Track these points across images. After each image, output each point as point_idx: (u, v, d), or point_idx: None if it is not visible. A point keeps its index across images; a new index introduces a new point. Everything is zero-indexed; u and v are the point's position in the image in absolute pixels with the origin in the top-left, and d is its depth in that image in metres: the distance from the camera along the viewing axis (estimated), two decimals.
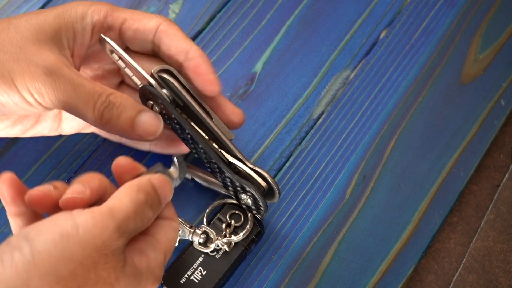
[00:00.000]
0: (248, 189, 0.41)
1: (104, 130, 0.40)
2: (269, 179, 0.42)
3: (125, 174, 0.35)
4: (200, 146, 0.40)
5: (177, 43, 0.41)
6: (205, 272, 0.42)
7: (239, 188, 0.41)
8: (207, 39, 0.53)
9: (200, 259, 0.42)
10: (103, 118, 0.38)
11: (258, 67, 0.52)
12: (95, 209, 0.31)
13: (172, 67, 0.41)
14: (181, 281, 0.41)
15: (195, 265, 0.42)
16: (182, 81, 0.41)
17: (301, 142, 0.49)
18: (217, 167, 0.41)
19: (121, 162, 0.35)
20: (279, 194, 0.42)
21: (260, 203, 0.41)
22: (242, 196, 0.42)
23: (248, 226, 0.43)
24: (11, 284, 0.28)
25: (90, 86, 0.37)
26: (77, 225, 0.30)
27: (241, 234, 0.42)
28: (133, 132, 0.38)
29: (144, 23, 0.41)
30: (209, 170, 0.43)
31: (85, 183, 0.33)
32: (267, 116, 0.50)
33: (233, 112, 0.42)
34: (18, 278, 0.28)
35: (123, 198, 0.32)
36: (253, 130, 0.49)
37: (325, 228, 0.46)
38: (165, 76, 0.40)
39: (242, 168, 0.42)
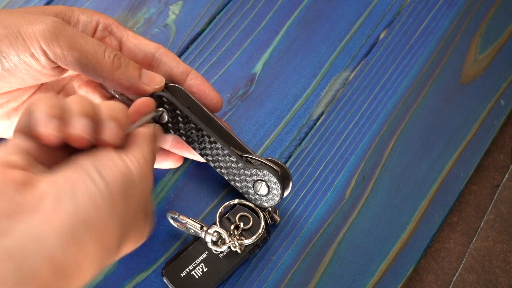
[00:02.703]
0: (264, 171, 0.41)
1: (109, 80, 0.40)
2: (281, 164, 0.43)
3: (141, 114, 0.39)
4: (212, 139, 0.42)
5: (178, 65, 0.44)
6: (206, 269, 0.42)
7: (254, 176, 0.42)
8: (207, 40, 0.53)
9: (204, 255, 0.42)
10: (114, 64, 0.39)
11: (258, 68, 0.52)
12: (141, 160, 0.34)
13: (173, 83, 0.44)
14: (182, 275, 0.42)
15: (197, 261, 0.42)
16: (186, 91, 0.44)
17: (300, 143, 0.49)
18: (229, 160, 0.42)
19: (147, 103, 0.40)
20: (291, 179, 0.43)
21: (277, 186, 0.42)
22: (256, 186, 0.42)
23: (260, 230, 0.43)
24: (82, 217, 0.29)
25: (96, 40, 0.40)
26: (132, 173, 0.32)
27: (253, 238, 0.42)
28: (139, 79, 0.41)
29: (145, 43, 0.44)
30: (219, 170, 0.43)
31: (120, 127, 0.34)
32: (267, 117, 0.50)
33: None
34: (92, 211, 0.29)
35: (147, 149, 0.36)
36: (252, 131, 0.49)
37: (325, 228, 0.46)
38: (173, 84, 0.43)
39: (254, 159, 0.43)
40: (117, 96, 0.44)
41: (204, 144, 0.43)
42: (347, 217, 0.46)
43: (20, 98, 0.42)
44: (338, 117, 0.50)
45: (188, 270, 0.42)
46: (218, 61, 0.52)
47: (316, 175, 0.48)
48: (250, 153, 0.43)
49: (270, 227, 0.45)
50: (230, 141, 0.44)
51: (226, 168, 0.43)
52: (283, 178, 0.43)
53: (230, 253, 0.43)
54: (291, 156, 0.49)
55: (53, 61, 0.38)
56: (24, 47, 0.37)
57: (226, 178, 0.43)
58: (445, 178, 0.49)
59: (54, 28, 0.37)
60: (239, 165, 0.42)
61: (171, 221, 0.43)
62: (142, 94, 0.41)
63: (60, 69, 0.40)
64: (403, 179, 0.48)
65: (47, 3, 0.55)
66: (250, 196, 0.43)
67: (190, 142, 0.43)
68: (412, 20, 0.56)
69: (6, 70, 0.38)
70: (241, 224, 0.43)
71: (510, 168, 0.51)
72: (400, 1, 0.56)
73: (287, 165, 0.48)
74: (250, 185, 0.42)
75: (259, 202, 0.43)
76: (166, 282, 0.42)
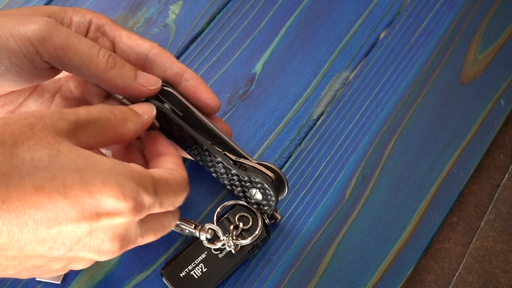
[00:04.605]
0: (257, 179, 0.41)
1: (103, 81, 0.39)
2: (275, 169, 0.42)
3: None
4: (205, 148, 0.41)
5: (172, 66, 0.42)
6: (206, 269, 0.42)
7: (247, 183, 0.42)
8: (207, 40, 0.53)
9: (203, 255, 0.42)
10: (109, 64, 0.38)
11: (258, 68, 0.52)
12: None
13: (166, 83, 0.43)
14: (181, 275, 0.42)
15: (197, 261, 0.42)
16: (179, 94, 0.43)
17: (300, 143, 0.49)
18: (222, 166, 0.42)
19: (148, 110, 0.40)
20: (287, 183, 0.43)
21: (270, 193, 0.41)
22: (251, 191, 0.42)
23: (257, 232, 0.43)
24: None
25: (90, 40, 0.38)
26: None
27: (249, 238, 0.42)
28: (135, 80, 0.40)
29: (138, 43, 0.42)
30: (214, 175, 0.43)
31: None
32: (267, 116, 0.50)
33: (222, 128, 0.44)
34: None
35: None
36: (252, 130, 0.49)
37: (325, 228, 0.46)
38: (164, 88, 0.42)
39: (248, 165, 0.42)
40: (114, 95, 0.44)
41: (198, 150, 0.42)
42: (347, 217, 0.46)
43: (16, 101, 0.42)
44: (338, 117, 0.50)
45: (187, 270, 0.42)
46: (218, 61, 0.52)
47: (316, 175, 0.48)
48: (245, 157, 0.43)
49: (272, 226, 0.45)
50: (224, 146, 0.43)
51: (220, 173, 0.43)
52: (278, 183, 0.43)
53: (230, 253, 0.42)
54: (291, 156, 0.49)
55: (46, 62, 0.37)
56: (15, 49, 0.36)
57: (221, 182, 0.43)
58: (445, 178, 0.48)
59: (47, 27, 0.36)
60: (233, 172, 0.42)
61: None
62: (138, 95, 0.40)
63: (54, 70, 0.39)
64: (403, 179, 0.48)
65: (47, 3, 0.55)
66: (247, 200, 0.43)
67: (184, 148, 0.43)
68: (412, 20, 0.56)
69: None
70: (241, 224, 0.43)
71: (510, 168, 0.50)
72: (400, 1, 0.57)
73: (287, 165, 0.48)
74: (246, 189, 0.42)
75: (256, 206, 0.43)
76: (166, 282, 0.42)
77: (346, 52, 0.53)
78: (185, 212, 0.45)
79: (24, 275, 0.33)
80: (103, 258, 0.33)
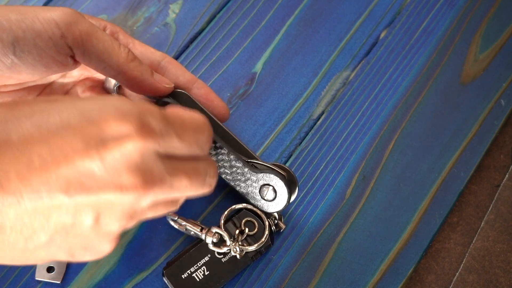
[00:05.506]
0: (271, 175, 0.41)
1: (123, 72, 0.39)
2: (288, 169, 0.43)
3: None
4: (219, 144, 0.41)
5: (184, 74, 0.44)
6: (208, 273, 0.42)
7: (260, 181, 0.42)
8: (207, 39, 0.53)
9: (206, 258, 0.42)
10: (129, 56, 0.39)
11: (258, 67, 0.52)
12: None
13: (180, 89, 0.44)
14: (183, 276, 0.41)
15: (199, 263, 0.42)
16: (192, 96, 0.44)
17: (301, 142, 0.49)
18: (235, 165, 0.42)
19: None
20: (298, 185, 0.43)
21: (284, 190, 0.41)
22: (263, 191, 0.42)
23: (263, 238, 0.42)
24: None
25: (110, 36, 0.39)
26: None
27: (255, 245, 0.42)
28: (152, 76, 0.41)
29: (151, 51, 0.44)
30: (223, 175, 0.43)
31: None
32: (267, 116, 0.50)
33: None
34: None
35: None
36: (253, 130, 0.49)
37: (325, 228, 0.46)
38: (177, 90, 0.43)
39: (259, 164, 0.43)
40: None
41: (210, 149, 0.42)
42: (347, 217, 0.46)
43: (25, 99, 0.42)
44: (338, 117, 0.50)
45: (189, 272, 0.42)
46: (218, 60, 0.52)
47: (316, 175, 0.48)
48: (255, 159, 0.43)
49: (274, 234, 0.45)
50: (236, 147, 0.43)
51: (231, 173, 0.42)
52: (290, 183, 0.43)
53: (233, 258, 0.42)
54: (291, 155, 0.49)
55: (69, 47, 0.37)
56: (41, 30, 0.36)
57: (232, 184, 0.43)
58: (446, 178, 0.48)
59: (72, 13, 0.37)
60: (246, 170, 0.42)
61: (172, 223, 0.43)
62: (153, 91, 0.41)
63: (72, 61, 0.39)
64: (404, 179, 0.48)
65: (46, 4, 0.55)
66: (256, 202, 0.43)
67: None
68: (412, 19, 0.56)
69: (19, 57, 0.37)
70: (246, 230, 0.43)
71: (510, 168, 0.51)
72: (400, 1, 0.56)
73: (287, 164, 0.48)
74: (256, 190, 0.42)
75: (265, 207, 0.43)
76: (167, 282, 0.42)
77: (346, 52, 0.53)
78: (185, 212, 0.45)
79: (61, 247, 0.30)
80: (129, 196, 0.29)
